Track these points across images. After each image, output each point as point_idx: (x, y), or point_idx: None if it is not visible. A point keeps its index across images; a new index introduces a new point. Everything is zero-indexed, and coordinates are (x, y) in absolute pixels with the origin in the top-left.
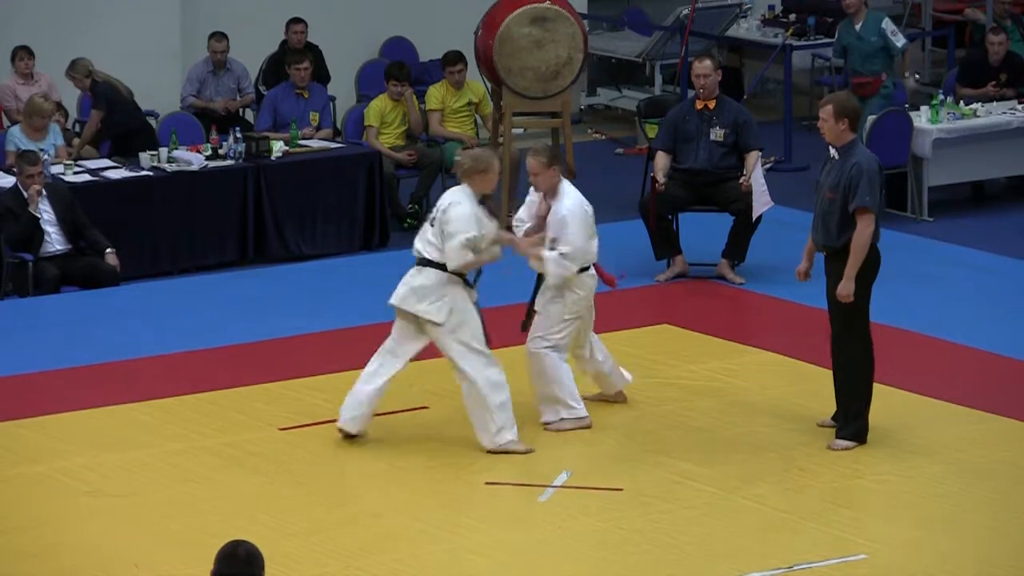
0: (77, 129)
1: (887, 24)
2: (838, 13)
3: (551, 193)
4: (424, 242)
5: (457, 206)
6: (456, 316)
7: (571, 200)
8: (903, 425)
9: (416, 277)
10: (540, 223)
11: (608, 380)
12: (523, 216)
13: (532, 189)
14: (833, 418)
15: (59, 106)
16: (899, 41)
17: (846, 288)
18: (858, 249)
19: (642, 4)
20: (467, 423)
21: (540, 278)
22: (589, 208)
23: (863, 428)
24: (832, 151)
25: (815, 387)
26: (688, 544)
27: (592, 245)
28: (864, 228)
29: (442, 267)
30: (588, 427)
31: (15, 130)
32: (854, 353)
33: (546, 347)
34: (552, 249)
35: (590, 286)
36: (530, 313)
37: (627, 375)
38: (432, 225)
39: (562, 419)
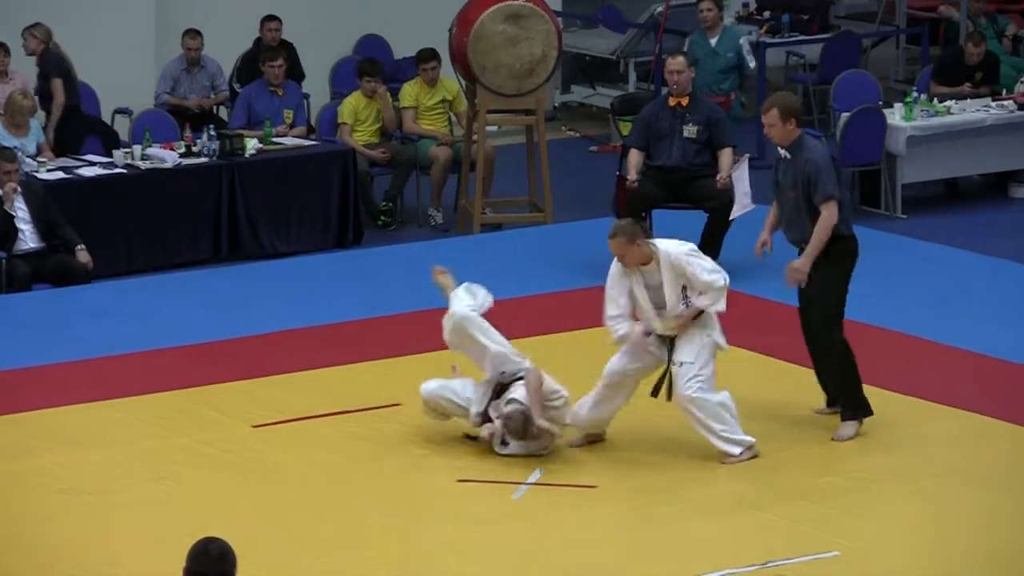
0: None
1: (744, 42)
2: (812, 10)
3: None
4: None
5: None
6: None
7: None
8: (876, 422)
9: None
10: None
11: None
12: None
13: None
14: (828, 404)
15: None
16: (751, 62)
17: (803, 263)
18: (820, 232)
19: (616, 2)
20: (440, 421)
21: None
22: None
23: (867, 404)
24: (782, 151)
25: (789, 384)
26: (661, 541)
27: None
28: (829, 215)
29: None
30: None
31: None
32: (838, 343)
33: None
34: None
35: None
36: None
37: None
38: None
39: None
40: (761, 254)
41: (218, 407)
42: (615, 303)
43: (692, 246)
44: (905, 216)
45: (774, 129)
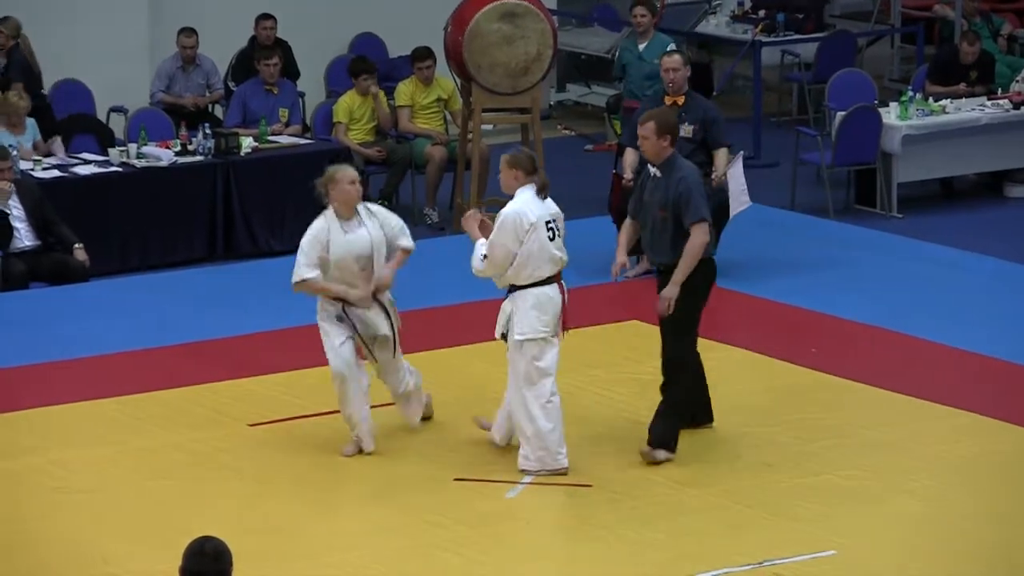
0: None
1: (672, 48)
2: (807, 9)
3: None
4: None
5: None
6: None
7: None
8: (871, 421)
9: None
10: None
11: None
12: None
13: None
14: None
15: None
16: None
17: (671, 292)
18: (690, 256)
19: (611, 0)
20: (436, 419)
21: None
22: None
23: (676, 437)
24: (652, 168)
25: (785, 383)
26: (657, 540)
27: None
28: (699, 237)
29: None
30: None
31: None
32: (690, 368)
33: None
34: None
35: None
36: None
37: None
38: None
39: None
40: (617, 276)
41: (213, 406)
42: None
43: (523, 221)
44: (901, 215)
45: (647, 143)
